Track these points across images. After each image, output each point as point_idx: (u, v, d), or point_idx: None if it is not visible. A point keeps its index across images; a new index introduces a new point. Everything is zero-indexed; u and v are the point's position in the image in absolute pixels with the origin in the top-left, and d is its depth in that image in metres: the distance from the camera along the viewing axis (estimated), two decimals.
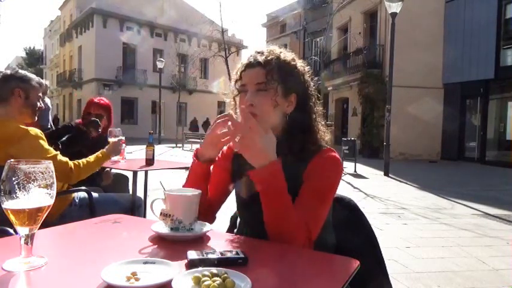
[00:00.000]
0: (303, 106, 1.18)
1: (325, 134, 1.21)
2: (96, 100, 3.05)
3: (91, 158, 2.24)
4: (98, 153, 2.29)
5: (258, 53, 1.17)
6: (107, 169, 2.83)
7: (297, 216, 1.02)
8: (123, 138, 2.62)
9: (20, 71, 2.11)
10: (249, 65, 1.16)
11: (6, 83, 2.01)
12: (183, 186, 1.21)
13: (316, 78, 1.29)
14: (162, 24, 30.46)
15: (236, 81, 1.19)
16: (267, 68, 1.13)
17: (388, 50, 11.29)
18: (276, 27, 28.37)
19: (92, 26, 28.96)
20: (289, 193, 1.05)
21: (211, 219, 1.26)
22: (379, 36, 16.25)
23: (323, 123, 1.22)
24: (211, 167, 1.23)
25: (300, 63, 1.21)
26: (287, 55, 1.19)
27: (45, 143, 1.99)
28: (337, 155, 1.15)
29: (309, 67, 1.25)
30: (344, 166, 10.51)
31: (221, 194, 1.29)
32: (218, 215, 1.32)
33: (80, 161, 2.15)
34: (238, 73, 1.18)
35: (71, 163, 2.08)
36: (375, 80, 15.49)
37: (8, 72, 2.08)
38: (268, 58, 1.14)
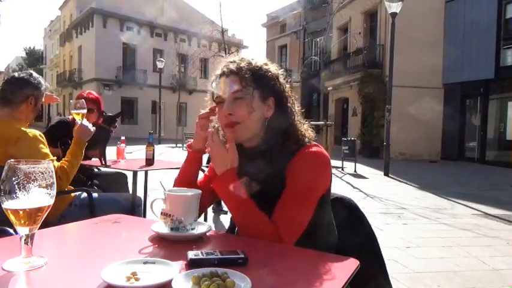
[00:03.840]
0: (282, 108, 1.19)
1: (308, 132, 1.21)
2: (84, 94, 2.93)
3: (68, 156, 2.07)
4: (71, 145, 2.12)
5: (230, 62, 1.19)
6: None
7: (263, 222, 1.04)
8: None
9: (35, 74, 2.07)
10: (222, 75, 1.17)
11: (22, 89, 1.98)
12: (177, 177, 1.27)
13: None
14: (162, 24, 30.45)
15: (212, 93, 1.20)
16: (240, 74, 1.14)
17: (388, 50, 11.29)
18: (276, 27, 28.36)
19: (92, 26, 28.96)
20: (275, 193, 1.08)
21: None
22: (379, 36, 16.25)
23: (304, 121, 1.23)
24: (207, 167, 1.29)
25: (273, 67, 1.22)
26: (258, 61, 1.20)
27: (44, 146, 1.95)
28: (320, 149, 1.14)
29: (282, 70, 1.26)
30: (344, 166, 10.55)
31: (210, 195, 1.29)
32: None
33: (63, 164, 2.03)
34: (213, 84, 1.19)
35: (59, 172, 1.98)
36: (375, 80, 15.49)
37: (23, 75, 2.03)
38: (241, 65, 1.16)
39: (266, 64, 1.20)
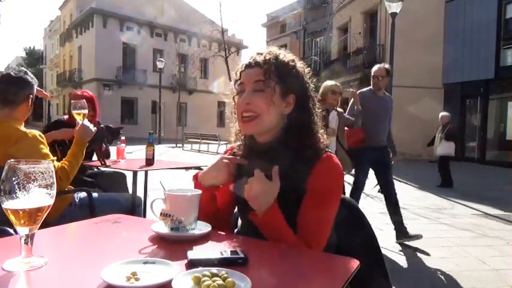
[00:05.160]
0: (302, 107, 1.18)
1: (324, 138, 1.20)
2: (78, 93, 2.90)
3: (68, 156, 2.08)
4: (72, 146, 2.12)
5: (258, 54, 1.19)
6: None
7: (296, 239, 1.04)
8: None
9: (28, 72, 2.07)
10: (248, 66, 1.17)
11: (22, 89, 1.98)
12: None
13: (315, 79, 1.28)
14: (162, 24, 30.45)
15: (235, 81, 1.20)
16: (265, 67, 1.14)
17: (388, 50, 11.29)
18: (276, 27, 28.37)
19: (92, 26, 28.96)
20: (290, 196, 1.08)
21: (228, 224, 1.28)
22: (379, 36, 16.27)
23: (321, 125, 1.22)
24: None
25: (299, 64, 1.21)
26: (287, 56, 1.20)
27: (43, 147, 1.94)
28: (338, 162, 1.16)
29: (308, 68, 1.25)
30: None
31: (231, 199, 1.29)
32: None
33: (63, 164, 2.03)
34: (238, 73, 1.19)
35: (59, 172, 1.97)
36: None
37: (21, 75, 2.02)
38: (267, 58, 1.15)
39: (293, 61, 1.20)
